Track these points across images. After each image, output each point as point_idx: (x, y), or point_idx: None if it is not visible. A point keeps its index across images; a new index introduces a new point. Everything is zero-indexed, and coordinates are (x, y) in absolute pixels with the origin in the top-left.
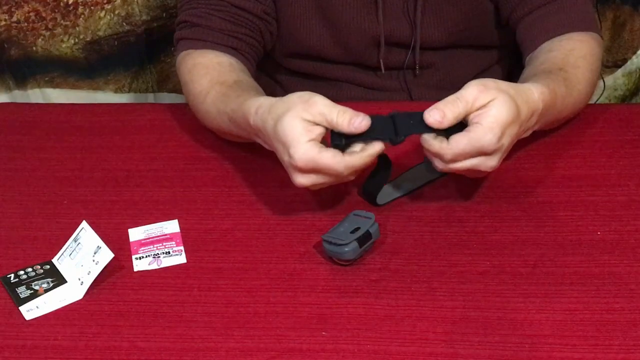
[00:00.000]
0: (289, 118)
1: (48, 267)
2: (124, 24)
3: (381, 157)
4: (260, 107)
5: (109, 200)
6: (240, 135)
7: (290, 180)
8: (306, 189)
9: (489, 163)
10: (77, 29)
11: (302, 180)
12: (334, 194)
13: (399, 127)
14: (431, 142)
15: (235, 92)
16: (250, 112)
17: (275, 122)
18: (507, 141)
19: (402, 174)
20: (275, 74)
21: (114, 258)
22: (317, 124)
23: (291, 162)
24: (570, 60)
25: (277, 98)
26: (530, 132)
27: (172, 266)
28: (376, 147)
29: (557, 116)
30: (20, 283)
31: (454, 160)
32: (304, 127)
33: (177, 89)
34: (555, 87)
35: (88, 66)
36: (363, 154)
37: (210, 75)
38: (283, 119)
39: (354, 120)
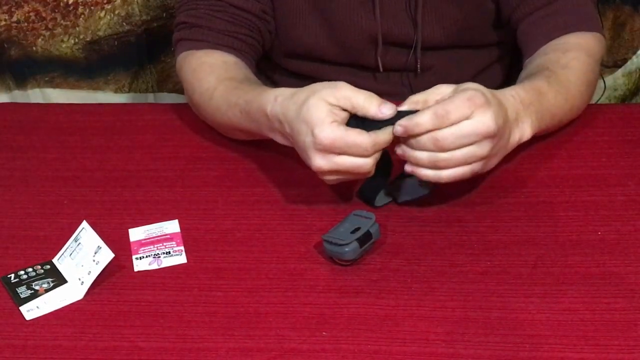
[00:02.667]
0: (315, 100)
1: (48, 267)
2: (124, 24)
3: (382, 157)
4: (280, 96)
5: (109, 200)
6: (251, 129)
7: (307, 164)
8: (311, 187)
9: (486, 119)
10: (77, 29)
11: (321, 162)
12: (334, 193)
13: None
14: (421, 113)
15: (249, 85)
16: (268, 100)
17: (300, 106)
18: (493, 103)
19: (402, 177)
20: (273, 74)
21: (114, 258)
22: (342, 109)
23: (314, 141)
24: (560, 62)
25: (299, 88)
26: (526, 129)
27: (173, 266)
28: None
29: (552, 112)
30: (20, 283)
31: (451, 114)
32: (329, 110)
33: (177, 89)
34: (535, 84)
35: (88, 66)
36: (388, 129)
37: (218, 73)
38: (308, 101)
39: (382, 107)
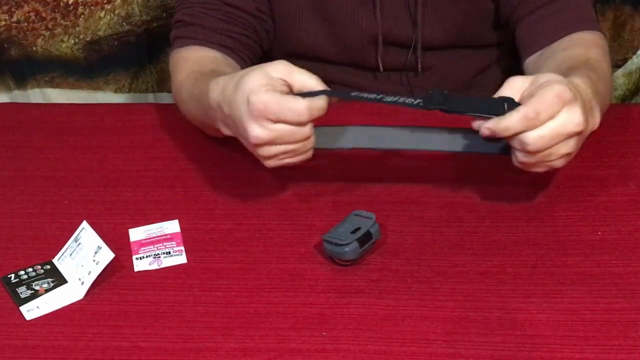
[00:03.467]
0: (254, 71)
1: (48, 267)
2: (124, 24)
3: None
4: (222, 79)
5: (109, 200)
6: (207, 121)
7: (246, 142)
8: (311, 187)
9: (575, 117)
10: (77, 29)
11: (258, 131)
12: (334, 193)
13: (451, 101)
14: (510, 116)
15: (208, 78)
16: (210, 87)
17: (238, 80)
18: (578, 98)
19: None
20: None
21: (114, 258)
22: (283, 83)
23: (249, 108)
24: (592, 56)
25: None
26: (597, 118)
27: (173, 266)
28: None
29: (604, 102)
30: (20, 283)
31: (542, 115)
32: (268, 80)
33: None
34: (589, 74)
35: (88, 66)
36: (323, 97)
37: (190, 66)
38: (248, 73)
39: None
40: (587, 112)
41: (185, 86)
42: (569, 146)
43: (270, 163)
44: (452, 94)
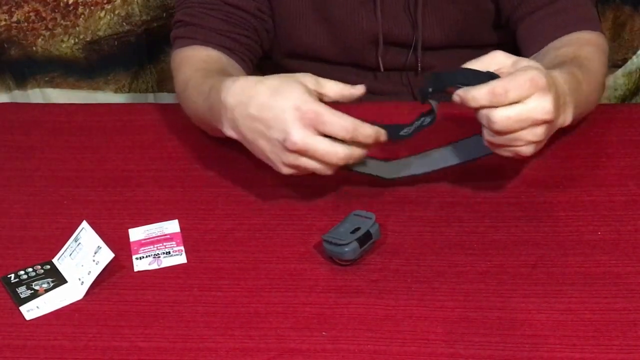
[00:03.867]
0: (292, 82)
1: (48, 267)
2: (124, 24)
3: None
4: (240, 80)
5: (109, 200)
6: (211, 119)
7: (274, 145)
8: (311, 187)
9: (545, 105)
10: (77, 29)
11: (300, 136)
12: (334, 193)
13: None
14: (479, 87)
15: (219, 75)
16: (224, 85)
17: (275, 88)
18: (552, 88)
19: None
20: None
21: (114, 258)
22: (317, 94)
23: (298, 115)
24: (582, 54)
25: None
26: (569, 115)
27: (173, 266)
28: (382, 132)
29: (585, 100)
30: (20, 283)
31: (510, 93)
32: (309, 92)
33: None
34: (572, 70)
35: (88, 66)
36: (375, 127)
37: (198, 64)
38: (285, 82)
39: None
40: (559, 105)
41: (192, 82)
42: (535, 134)
43: (287, 170)
44: (437, 76)
